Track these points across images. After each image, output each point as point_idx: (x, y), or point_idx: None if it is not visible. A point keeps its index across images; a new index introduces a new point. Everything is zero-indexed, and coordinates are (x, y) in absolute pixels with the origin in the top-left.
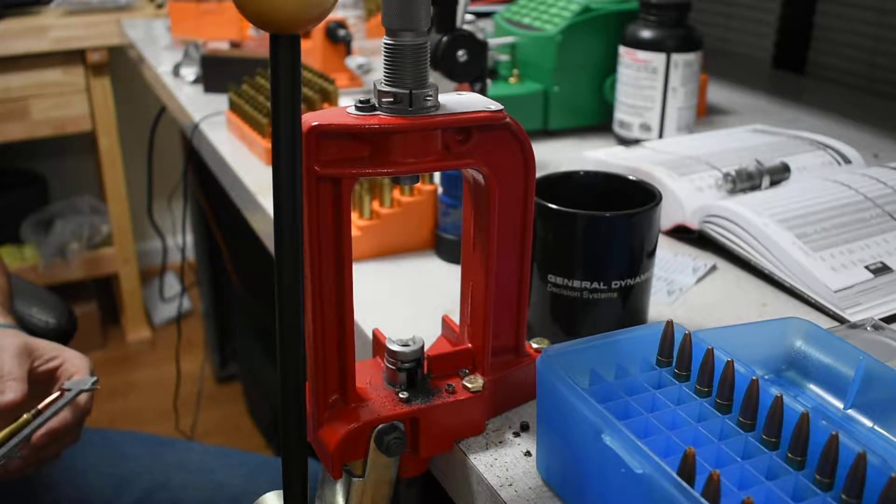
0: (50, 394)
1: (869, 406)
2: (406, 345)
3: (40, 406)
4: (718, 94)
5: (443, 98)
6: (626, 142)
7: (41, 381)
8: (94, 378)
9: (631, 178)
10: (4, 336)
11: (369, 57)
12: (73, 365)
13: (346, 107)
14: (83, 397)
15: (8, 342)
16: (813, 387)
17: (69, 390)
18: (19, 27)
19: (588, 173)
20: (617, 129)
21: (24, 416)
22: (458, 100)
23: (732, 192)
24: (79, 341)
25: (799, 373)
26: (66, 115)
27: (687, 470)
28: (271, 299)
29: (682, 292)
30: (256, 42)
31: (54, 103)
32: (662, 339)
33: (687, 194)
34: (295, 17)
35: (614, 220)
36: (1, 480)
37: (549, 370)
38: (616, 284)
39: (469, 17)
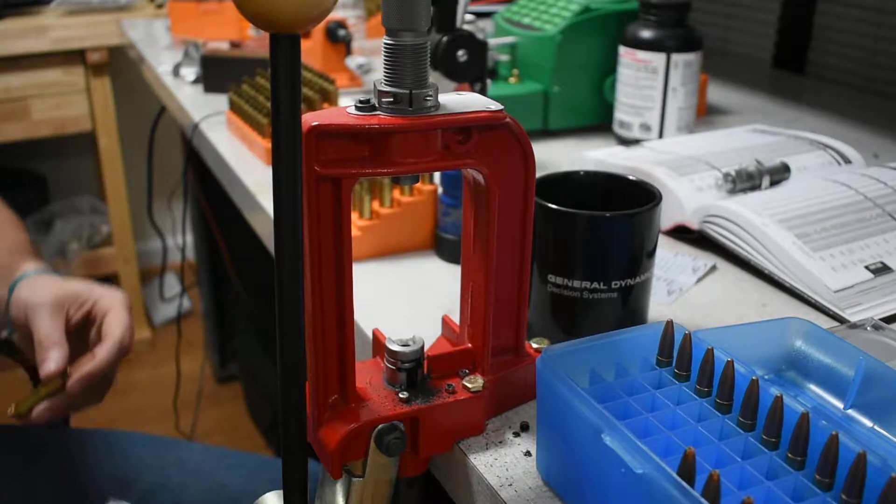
0: (87, 339)
1: (869, 406)
2: (406, 345)
3: (70, 370)
4: (718, 94)
5: (443, 98)
6: (626, 142)
7: (78, 328)
8: None
9: (631, 178)
10: (37, 286)
11: (369, 57)
12: (106, 303)
13: (346, 107)
14: (124, 334)
15: (41, 299)
16: (813, 387)
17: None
18: (19, 27)
19: (588, 173)
20: (617, 129)
21: (55, 382)
22: (458, 100)
23: (732, 192)
24: None
25: (799, 373)
26: (66, 115)
27: (687, 470)
28: (271, 299)
29: (682, 292)
30: (256, 42)
31: (54, 103)
32: (662, 339)
33: (687, 194)
34: (295, 17)
35: (614, 220)
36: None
37: (549, 370)
38: (616, 284)
39: (469, 17)
